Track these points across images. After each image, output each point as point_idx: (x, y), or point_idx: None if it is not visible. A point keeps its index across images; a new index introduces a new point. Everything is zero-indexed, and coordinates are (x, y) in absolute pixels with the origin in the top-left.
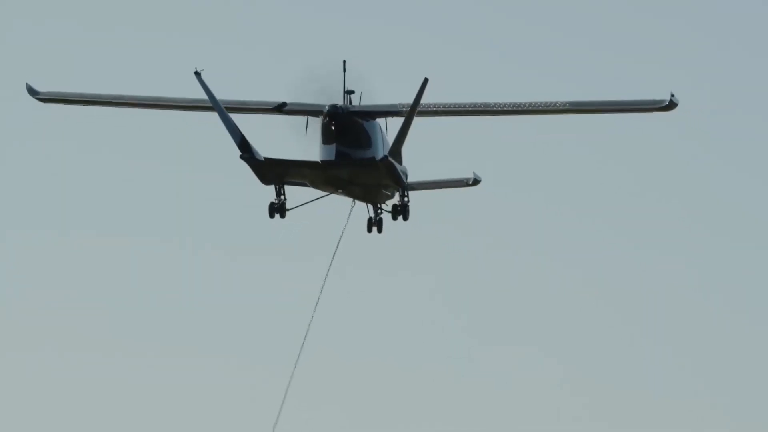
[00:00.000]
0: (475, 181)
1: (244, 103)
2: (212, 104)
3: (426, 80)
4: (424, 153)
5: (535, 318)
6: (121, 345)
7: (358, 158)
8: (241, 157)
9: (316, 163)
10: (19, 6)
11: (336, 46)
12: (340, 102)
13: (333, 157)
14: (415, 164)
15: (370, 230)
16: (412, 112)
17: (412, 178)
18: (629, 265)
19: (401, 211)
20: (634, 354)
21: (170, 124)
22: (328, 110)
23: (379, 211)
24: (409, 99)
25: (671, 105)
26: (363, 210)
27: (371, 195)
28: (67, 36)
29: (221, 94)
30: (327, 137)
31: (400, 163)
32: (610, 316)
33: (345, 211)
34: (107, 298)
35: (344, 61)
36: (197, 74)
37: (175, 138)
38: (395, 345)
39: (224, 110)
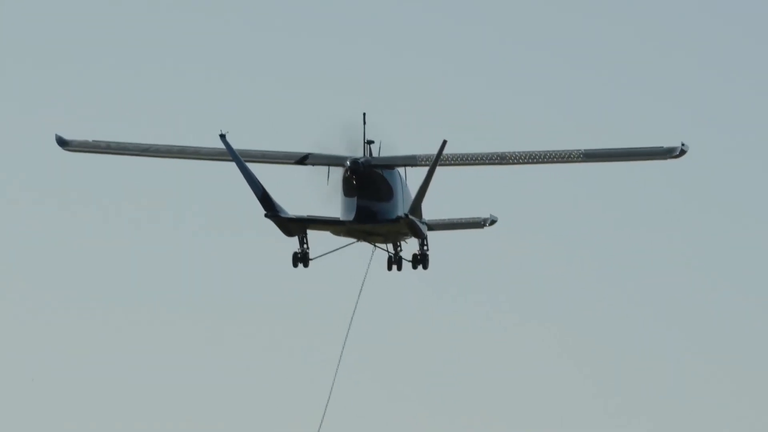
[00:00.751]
0: (492, 222)
1: (267, 154)
2: (237, 164)
3: (445, 142)
4: (442, 198)
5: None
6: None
7: (380, 217)
8: (266, 215)
9: (339, 220)
10: (46, 52)
11: (356, 98)
12: (360, 154)
13: (354, 210)
14: (432, 208)
15: (390, 268)
16: (431, 171)
17: (428, 217)
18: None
19: (421, 260)
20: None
21: (197, 174)
22: (349, 165)
23: (399, 249)
24: (427, 149)
25: (682, 153)
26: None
27: (391, 241)
28: (93, 85)
29: (245, 146)
30: (348, 190)
31: (420, 217)
32: (617, 371)
33: (366, 255)
34: (135, 366)
35: (364, 114)
36: (222, 136)
37: (199, 187)
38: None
39: (248, 169)
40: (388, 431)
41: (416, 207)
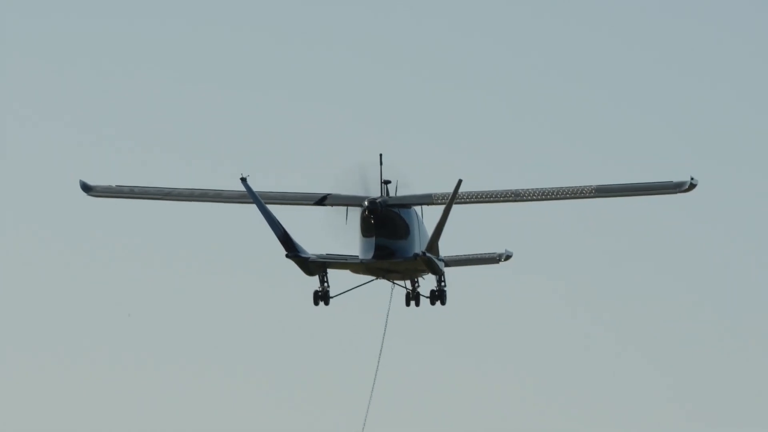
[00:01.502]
0: (507, 257)
1: (287, 196)
2: (257, 206)
3: (460, 181)
4: (458, 234)
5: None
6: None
7: (398, 255)
8: (287, 256)
9: (358, 260)
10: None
11: (372, 141)
12: (378, 195)
13: (373, 249)
14: (448, 244)
15: (408, 304)
16: (447, 209)
17: (445, 253)
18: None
19: (439, 297)
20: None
21: (219, 216)
22: (367, 205)
23: (416, 284)
24: (442, 188)
25: (691, 187)
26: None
27: (408, 278)
28: (116, 131)
29: (265, 188)
30: (367, 230)
31: (437, 254)
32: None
33: (384, 291)
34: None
35: (380, 155)
36: (243, 180)
37: (222, 229)
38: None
39: (268, 210)
40: None
41: (433, 244)
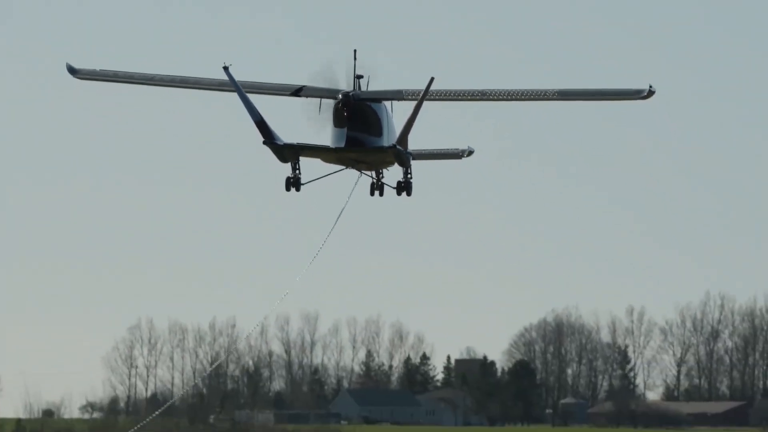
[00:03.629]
0: (470, 153)
1: (265, 86)
2: (238, 94)
3: (432, 79)
4: (424, 130)
5: None
6: None
7: (368, 145)
8: (264, 142)
9: (330, 147)
10: None
11: (348, 36)
12: (351, 89)
13: (344, 140)
14: (415, 139)
15: (372, 194)
16: (418, 105)
17: (412, 148)
18: None
19: (405, 188)
20: None
21: (197, 102)
22: (341, 98)
23: (381, 176)
24: (413, 84)
25: (650, 94)
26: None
27: (375, 169)
28: (104, 17)
29: (244, 78)
30: (339, 121)
31: (406, 148)
32: None
33: (352, 181)
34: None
35: (355, 50)
36: (225, 69)
37: (198, 115)
38: None
39: (248, 98)
40: None
41: (403, 138)
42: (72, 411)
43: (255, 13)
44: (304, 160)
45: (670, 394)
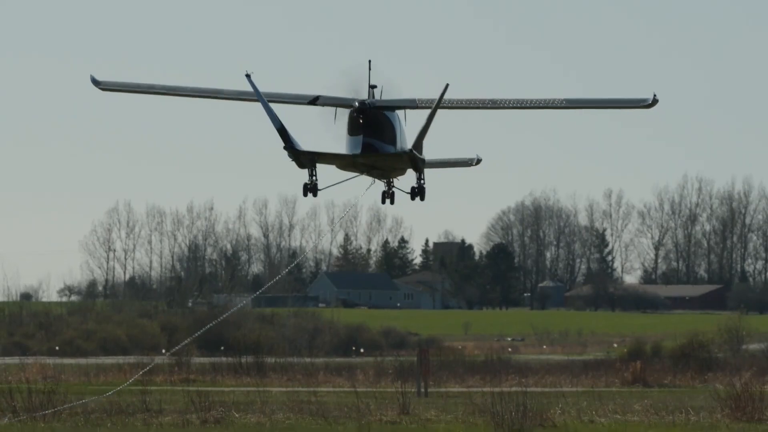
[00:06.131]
0: (478, 161)
1: (283, 96)
2: (260, 101)
3: (447, 86)
4: (436, 137)
5: None
6: None
7: (383, 151)
8: (284, 148)
9: (346, 154)
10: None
11: (363, 48)
12: (366, 97)
13: (360, 147)
14: (427, 147)
15: (384, 202)
16: (433, 112)
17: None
18: None
19: (418, 193)
20: None
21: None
22: (356, 106)
23: (392, 183)
24: (425, 94)
25: (654, 103)
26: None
27: (389, 176)
28: (127, 33)
29: (263, 88)
30: (354, 129)
31: (420, 153)
32: None
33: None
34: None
35: (369, 61)
36: (248, 76)
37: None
38: None
39: (269, 105)
40: None
41: (418, 144)
42: (50, 294)
43: (275, 24)
44: (320, 168)
45: (648, 278)
